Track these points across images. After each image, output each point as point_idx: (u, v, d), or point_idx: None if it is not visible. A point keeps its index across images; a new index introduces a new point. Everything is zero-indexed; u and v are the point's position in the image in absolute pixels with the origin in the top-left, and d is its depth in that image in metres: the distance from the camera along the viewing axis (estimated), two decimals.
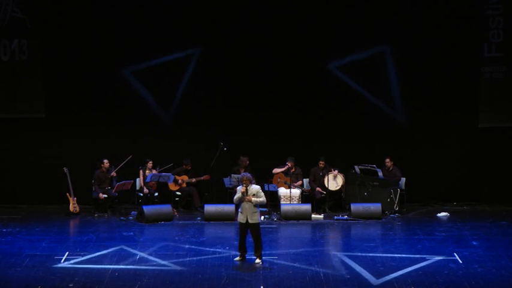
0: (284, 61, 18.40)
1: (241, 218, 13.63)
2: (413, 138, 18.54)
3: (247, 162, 17.91)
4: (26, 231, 16.14)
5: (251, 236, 13.66)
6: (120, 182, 17.56)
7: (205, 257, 14.07)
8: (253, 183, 13.79)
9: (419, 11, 18.05)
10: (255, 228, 13.62)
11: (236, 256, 13.89)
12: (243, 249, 13.79)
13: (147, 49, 18.33)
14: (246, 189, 13.58)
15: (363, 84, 18.43)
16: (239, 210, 13.72)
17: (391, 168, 17.98)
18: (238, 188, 13.76)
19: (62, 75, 18.37)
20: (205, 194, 18.25)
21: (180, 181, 18.01)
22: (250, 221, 13.55)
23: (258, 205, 13.64)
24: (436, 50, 18.16)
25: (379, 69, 18.39)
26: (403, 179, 17.99)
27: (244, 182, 13.63)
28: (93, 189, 17.71)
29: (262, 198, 13.67)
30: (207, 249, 14.58)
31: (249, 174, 13.83)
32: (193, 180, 17.99)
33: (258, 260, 13.62)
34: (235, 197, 13.73)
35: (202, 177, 18.02)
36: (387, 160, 17.95)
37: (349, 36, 18.18)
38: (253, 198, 13.52)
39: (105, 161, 17.73)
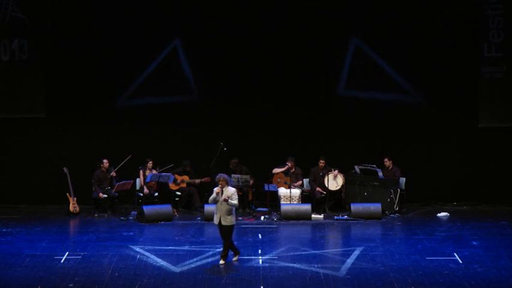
0: (284, 61, 18.40)
1: (215, 219, 13.61)
2: (413, 138, 18.54)
3: (230, 166, 17.88)
4: (26, 231, 16.14)
5: (220, 237, 13.63)
6: (120, 182, 17.56)
7: (205, 256, 14.07)
8: (231, 185, 13.75)
9: (419, 11, 18.05)
10: (226, 229, 13.57)
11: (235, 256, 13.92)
12: (233, 249, 13.78)
13: (146, 49, 18.36)
14: (222, 190, 13.54)
15: (362, 84, 18.45)
16: (215, 211, 13.68)
17: (390, 168, 17.98)
18: (214, 188, 13.68)
19: (62, 75, 18.37)
20: (205, 194, 18.22)
21: (179, 181, 18.00)
22: (223, 223, 13.51)
23: (233, 209, 13.58)
24: (436, 49, 18.16)
25: (379, 69, 18.39)
26: (403, 179, 17.99)
27: (220, 182, 13.57)
28: (93, 189, 17.71)
29: (236, 202, 13.55)
30: (207, 249, 14.58)
31: (226, 176, 13.73)
32: (197, 181, 17.94)
33: (221, 261, 13.60)
34: (211, 197, 13.64)
35: (203, 179, 18.00)
36: (386, 160, 17.95)
37: (352, 35, 18.28)
38: (230, 201, 13.45)
39: (105, 161, 17.73)
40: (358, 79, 18.42)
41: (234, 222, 13.63)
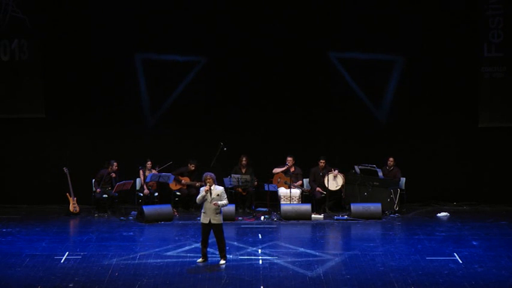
0: (284, 60, 18.41)
1: (203, 219, 13.48)
2: (413, 138, 18.54)
3: (243, 161, 17.89)
4: (26, 231, 16.14)
5: (214, 237, 13.53)
6: (120, 182, 17.57)
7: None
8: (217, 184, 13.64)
9: (419, 12, 18.05)
10: (218, 228, 13.47)
11: (236, 254, 13.90)
12: (204, 250, 13.63)
13: (147, 50, 18.38)
14: (210, 189, 13.50)
15: (362, 84, 18.45)
16: (202, 210, 13.55)
17: (392, 168, 17.98)
18: (201, 188, 13.61)
19: (62, 75, 18.37)
20: None
21: (183, 182, 17.97)
22: (213, 221, 13.40)
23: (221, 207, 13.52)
24: (436, 49, 18.16)
25: (379, 68, 18.39)
26: (403, 179, 17.99)
27: (207, 181, 13.47)
28: (94, 188, 17.72)
29: (225, 201, 13.48)
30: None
31: (212, 174, 13.62)
32: (197, 184, 17.90)
33: (222, 261, 13.54)
34: (199, 196, 13.53)
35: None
36: (390, 159, 17.92)
37: (353, 35, 18.25)
38: (219, 202, 13.36)
39: (115, 163, 17.71)
40: (358, 80, 18.41)
41: (222, 221, 13.52)
